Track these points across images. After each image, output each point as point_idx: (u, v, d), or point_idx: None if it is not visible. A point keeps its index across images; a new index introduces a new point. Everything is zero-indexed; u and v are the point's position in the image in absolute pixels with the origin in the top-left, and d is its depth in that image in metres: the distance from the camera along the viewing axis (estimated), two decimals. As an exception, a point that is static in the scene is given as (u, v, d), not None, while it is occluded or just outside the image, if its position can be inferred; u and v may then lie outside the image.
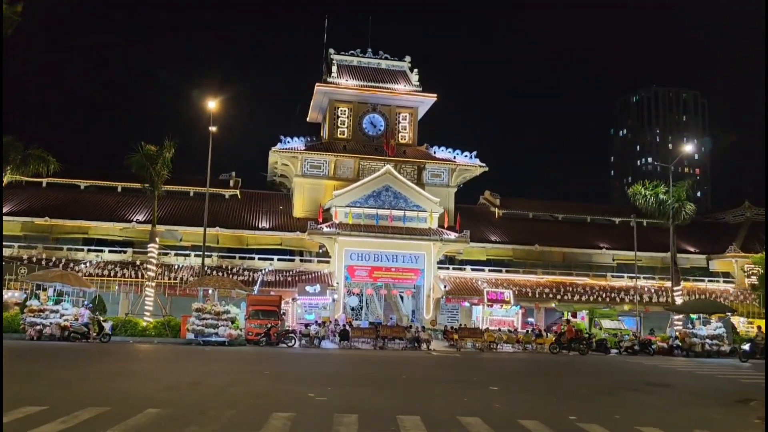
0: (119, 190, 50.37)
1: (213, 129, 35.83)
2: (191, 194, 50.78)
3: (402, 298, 47.61)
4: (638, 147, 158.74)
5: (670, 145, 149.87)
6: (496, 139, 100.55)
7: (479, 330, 36.55)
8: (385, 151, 48.17)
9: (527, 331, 38.27)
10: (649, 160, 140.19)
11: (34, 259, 40.64)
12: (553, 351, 32.77)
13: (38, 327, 28.37)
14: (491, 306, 42.11)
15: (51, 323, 28.39)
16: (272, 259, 45.71)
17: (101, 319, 29.41)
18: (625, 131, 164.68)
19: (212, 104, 35.74)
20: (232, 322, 29.64)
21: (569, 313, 43.72)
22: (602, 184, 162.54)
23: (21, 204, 46.44)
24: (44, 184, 48.81)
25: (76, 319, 29.06)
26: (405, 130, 52.38)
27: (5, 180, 32.57)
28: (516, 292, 43.42)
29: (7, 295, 34.89)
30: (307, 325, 36.41)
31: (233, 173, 53.54)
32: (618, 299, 45.15)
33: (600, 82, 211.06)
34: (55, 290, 29.47)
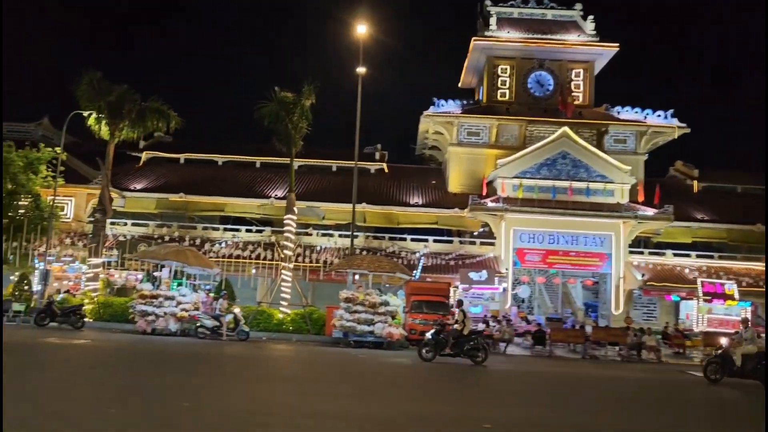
0: (257, 165, 43.85)
1: (361, 70, 27.40)
2: (333, 169, 43.35)
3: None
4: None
5: None
6: (680, 100, 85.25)
7: (712, 335, 25.62)
8: (562, 112, 37.98)
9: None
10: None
11: (167, 238, 34.51)
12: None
13: (150, 318, 21.17)
14: (710, 301, 30.87)
15: (165, 313, 21.09)
16: (426, 240, 36.94)
17: (238, 310, 21.55)
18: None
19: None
20: (393, 318, 20.97)
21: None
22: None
23: (157, 180, 40.84)
24: (182, 160, 43.65)
25: (196, 308, 21.60)
26: (578, 88, 41.74)
27: (114, 142, 25.92)
28: (739, 284, 31.87)
29: (125, 276, 28.64)
30: (477, 323, 27.40)
31: (378, 146, 45.31)
32: None
33: None
34: (171, 271, 22.11)
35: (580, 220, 34.62)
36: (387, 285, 26.62)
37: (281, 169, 42.48)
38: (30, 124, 41.36)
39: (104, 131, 25.33)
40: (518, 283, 35.83)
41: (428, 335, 17.17)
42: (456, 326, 16.86)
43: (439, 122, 40.41)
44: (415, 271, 30.12)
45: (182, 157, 44.05)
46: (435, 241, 36.93)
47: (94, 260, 24.50)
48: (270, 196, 39.04)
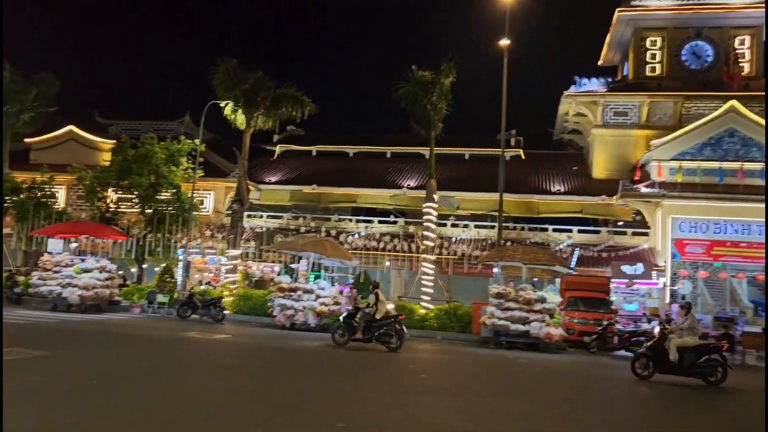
0: (388, 155, 42.43)
1: (505, 43, 24.75)
2: (466, 157, 41.04)
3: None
4: None
5: None
6: None
7: None
8: (726, 85, 33.23)
9: None
10: None
11: (302, 230, 33.78)
12: None
13: (289, 312, 19.91)
14: None
15: (304, 307, 19.74)
16: (570, 230, 33.63)
17: (391, 306, 17.56)
18: None
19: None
20: (551, 316, 18.29)
21: None
22: None
23: (291, 172, 40.50)
24: (314, 153, 43.16)
25: (336, 302, 20.09)
26: (744, 58, 36.38)
27: (250, 131, 25.05)
28: None
29: (261, 267, 27.92)
30: (635, 321, 24.08)
31: (513, 131, 42.28)
32: None
33: None
34: (310, 263, 20.72)
35: (752, 206, 29.89)
36: (535, 279, 23.93)
37: (413, 159, 40.84)
38: (173, 122, 42.40)
39: (240, 120, 24.56)
40: (677, 278, 31.63)
41: (341, 318, 15.94)
42: (368, 310, 15.45)
43: (582, 102, 36.80)
44: (571, 264, 27.10)
45: (314, 149, 43.58)
46: (580, 231, 33.54)
47: (233, 252, 23.83)
48: (402, 186, 37.35)
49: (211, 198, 36.08)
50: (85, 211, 31.54)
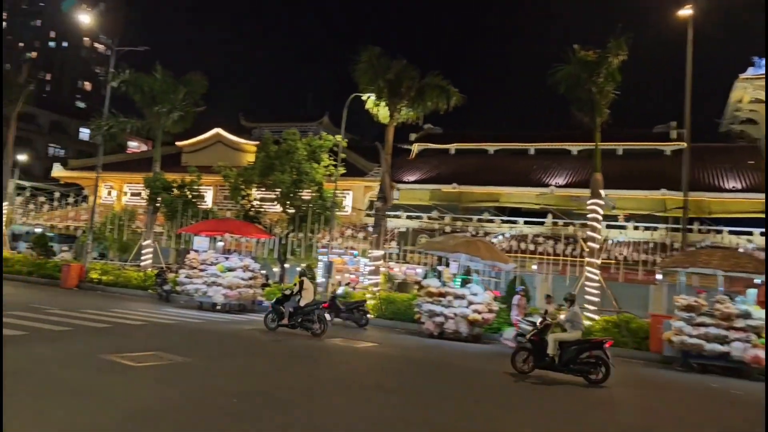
0: (531, 152, 39.54)
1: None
2: (619, 152, 37.11)
3: None
4: None
5: None
6: None
7: None
8: None
9: None
10: None
11: (449, 229, 31.83)
12: None
13: (438, 319, 17.91)
14: None
15: (455, 314, 17.65)
16: (750, 233, 28.98)
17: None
18: None
19: None
20: (758, 335, 14.84)
21: None
22: None
23: (429, 171, 38.73)
24: (452, 151, 41.22)
25: (490, 310, 17.83)
26: None
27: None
28: None
29: (404, 269, 26.20)
30: None
31: (673, 123, 37.86)
32: None
33: None
34: (460, 265, 18.57)
35: None
36: (721, 288, 20.20)
37: (558, 155, 37.74)
38: (312, 123, 42.32)
39: (382, 114, 23.03)
40: None
41: (270, 303, 16.75)
42: (295, 298, 15.94)
43: (761, 87, 31.77)
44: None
45: (452, 147, 41.70)
46: (764, 234, 28.76)
47: (376, 252, 22.32)
48: (549, 184, 34.28)
49: (350, 197, 35.16)
50: (229, 210, 31.63)
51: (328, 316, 15.73)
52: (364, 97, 23.48)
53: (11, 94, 28.04)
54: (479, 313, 17.54)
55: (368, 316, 19.56)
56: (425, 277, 19.86)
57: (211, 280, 20.04)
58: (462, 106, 23.05)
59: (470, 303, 17.71)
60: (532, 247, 29.15)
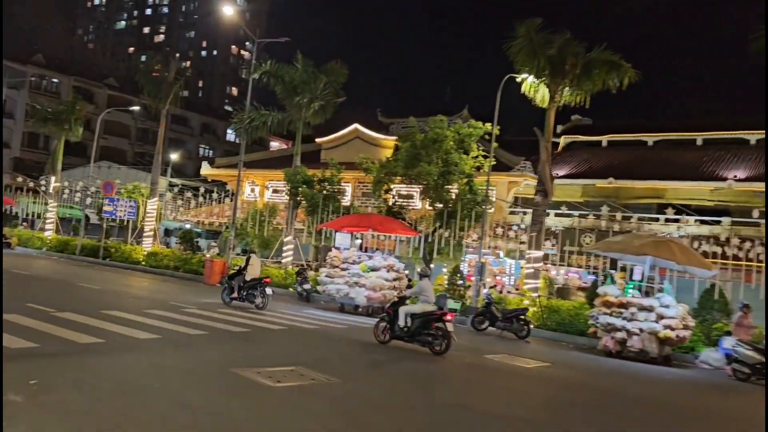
0: (698, 142, 34.42)
1: None
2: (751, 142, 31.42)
3: None
4: None
5: None
6: None
7: None
8: None
9: None
10: None
11: (617, 228, 28.01)
12: None
13: (618, 334, 14.67)
14: None
15: (641, 330, 14.33)
16: None
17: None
18: None
19: None
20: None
21: None
22: None
23: (580, 166, 34.88)
24: (604, 143, 36.95)
25: (686, 327, 14.34)
26: None
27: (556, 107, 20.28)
28: None
29: (563, 273, 22.91)
30: None
31: None
32: None
33: None
34: (647, 270, 15.12)
35: None
36: None
37: (733, 145, 32.51)
38: (451, 117, 39.75)
39: (541, 96, 20.03)
40: None
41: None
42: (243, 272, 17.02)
43: None
44: None
45: (604, 139, 37.42)
46: None
47: (535, 253, 19.37)
48: (726, 178, 29.33)
49: (494, 194, 32.24)
50: (370, 206, 29.93)
51: (483, 325, 13.55)
52: (519, 78, 20.59)
53: (161, 92, 28.25)
54: (673, 329, 14.11)
55: (530, 326, 16.71)
56: (603, 282, 16.54)
57: (353, 280, 18.15)
58: (612, 95, 19.58)
59: (660, 317, 14.32)
60: (708, 248, 24.68)
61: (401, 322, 12.06)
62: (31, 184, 39.87)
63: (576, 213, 31.14)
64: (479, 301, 18.99)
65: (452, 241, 21.33)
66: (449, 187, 21.33)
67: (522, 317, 16.67)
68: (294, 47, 25.81)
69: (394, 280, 18.59)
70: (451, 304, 19.08)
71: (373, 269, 18.20)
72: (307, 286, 20.82)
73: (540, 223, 19.65)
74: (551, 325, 17.67)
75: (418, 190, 22.40)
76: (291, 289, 22.57)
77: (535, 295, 18.86)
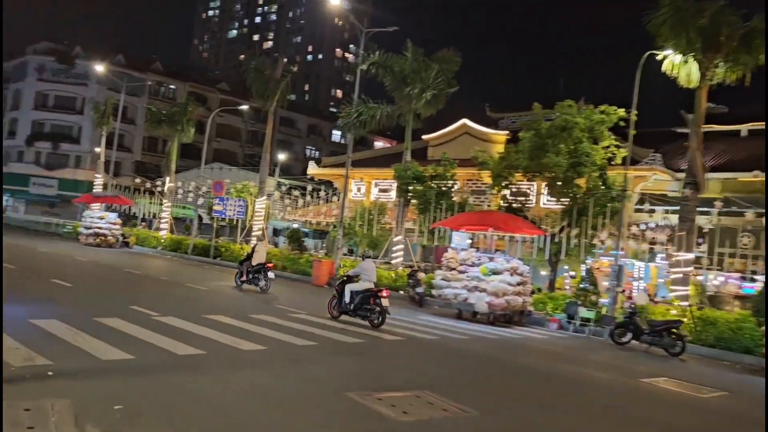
0: None
1: None
2: None
3: None
4: None
5: None
6: None
7: None
8: None
9: None
10: None
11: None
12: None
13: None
14: None
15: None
16: None
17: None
18: None
19: None
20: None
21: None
22: None
23: (717, 158, 30.93)
24: (744, 132, 32.61)
25: None
26: None
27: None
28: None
29: (717, 278, 19.76)
30: None
31: None
32: None
33: None
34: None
35: None
36: None
37: None
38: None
39: (687, 75, 17.20)
40: None
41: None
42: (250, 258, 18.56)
43: None
44: None
45: (744, 128, 33.05)
46: None
47: (684, 255, 16.59)
48: None
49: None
50: (482, 204, 27.88)
51: (625, 338, 11.50)
52: (660, 56, 17.84)
53: (269, 90, 27.70)
54: None
55: (685, 341, 14.08)
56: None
57: (473, 284, 16.24)
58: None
59: None
60: None
61: (347, 299, 13.24)
62: (148, 185, 41.07)
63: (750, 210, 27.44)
64: (617, 310, 16.50)
65: (582, 240, 18.86)
66: (579, 180, 18.84)
67: (675, 330, 14.09)
68: (401, 39, 24.10)
69: (519, 284, 16.50)
70: (583, 312, 16.80)
71: (495, 272, 16.20)
72: (420, 290, 19.14)
73: (690, 221, 16.83)
74: (708, 339, 14.90)
75: (535, 185, 20.02)
76: (402, 292, 21.02)
77: (686, 304, 16.08)
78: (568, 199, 19.21)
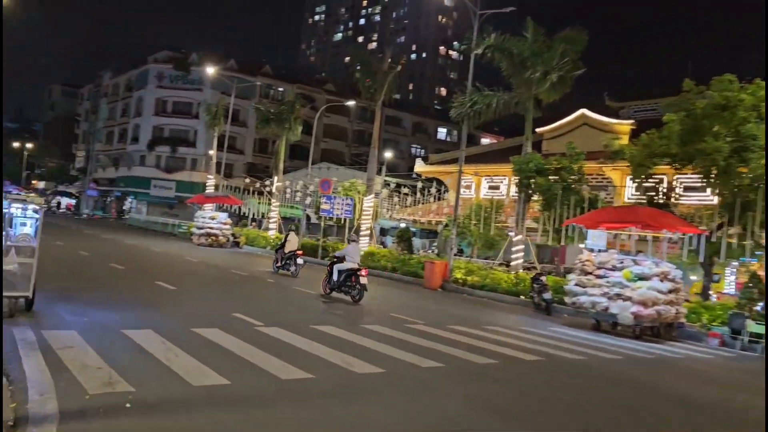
0: None
1: None
2: None
3: None
4: None
5: None
6: None
7: None
8: None
9: None
10: None
11: None
12: None
13: None
14: None
15: None
16: None
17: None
18: None
19: None
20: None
21: None
22: None
23: None
24: None
25: None
26: None
27: None
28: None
29: None
30: None
31: None
32: None
33: None
34: None
35: None
36: None
37: None
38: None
39: None
40: None
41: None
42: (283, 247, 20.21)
43: None
44: None
45: None
46: None
47: None
48: None
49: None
50: (612, 201, 25.02)
51: None
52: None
53: (376, 82, 26.34)
54: None
55: None
56: None
57: (615, 291, 13.82)
58: None
59: None
60: None
61: (335, 277, 14.62)
62: (258, 185, 41.17)
63: None
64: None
65: (748, 240, 15.82)
66: (743, 169, 15.75)
67: None
68: (515, 21, 21.85)
69: (670, 292, 13.88)
70: (752, 326, 13.90)
71: (642, 278, 13.68)
72: (547, 296, 16.87)
73: None
74: None
75: (700, 172, 16.94)
76: (524, 297, 18.84)
77: None
78: (728, 191, 16.17)
